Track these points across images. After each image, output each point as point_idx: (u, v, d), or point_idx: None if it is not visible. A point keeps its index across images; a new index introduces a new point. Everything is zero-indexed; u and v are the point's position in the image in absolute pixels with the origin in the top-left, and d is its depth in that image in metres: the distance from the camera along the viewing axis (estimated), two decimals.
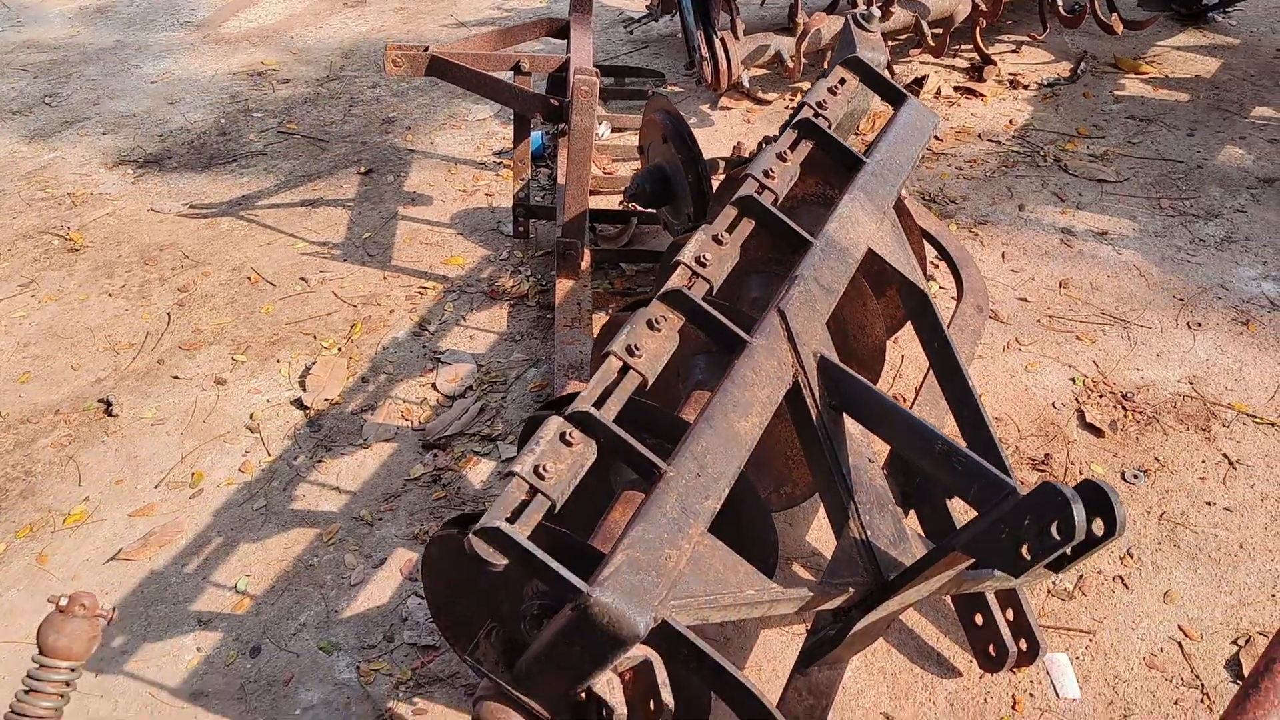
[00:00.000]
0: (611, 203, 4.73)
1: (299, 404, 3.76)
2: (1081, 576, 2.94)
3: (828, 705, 2.51)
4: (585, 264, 4.03)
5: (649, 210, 4.30)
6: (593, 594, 1.92)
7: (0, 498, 3.47)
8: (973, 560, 2.18)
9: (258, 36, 7.61)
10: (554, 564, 1.96)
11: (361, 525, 3.27)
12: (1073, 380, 3.58)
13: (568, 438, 2.13)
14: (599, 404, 2.23)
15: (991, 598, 2.72)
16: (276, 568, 3.16)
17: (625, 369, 2.32)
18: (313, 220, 4.96)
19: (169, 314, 4.29)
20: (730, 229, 2.67)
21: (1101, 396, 3.51)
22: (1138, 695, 2.66)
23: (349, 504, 3.35)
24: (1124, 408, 3.45)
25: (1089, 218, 4.57)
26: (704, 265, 2.54)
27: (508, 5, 7.97)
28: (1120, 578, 2.94)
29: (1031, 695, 2.69)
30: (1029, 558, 1.93)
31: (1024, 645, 2.69)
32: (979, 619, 2.73)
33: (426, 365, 3.90)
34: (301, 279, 4.44)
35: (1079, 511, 1.85)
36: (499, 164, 5.48)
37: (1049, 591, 2.92)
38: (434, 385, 3.79)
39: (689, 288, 2.48)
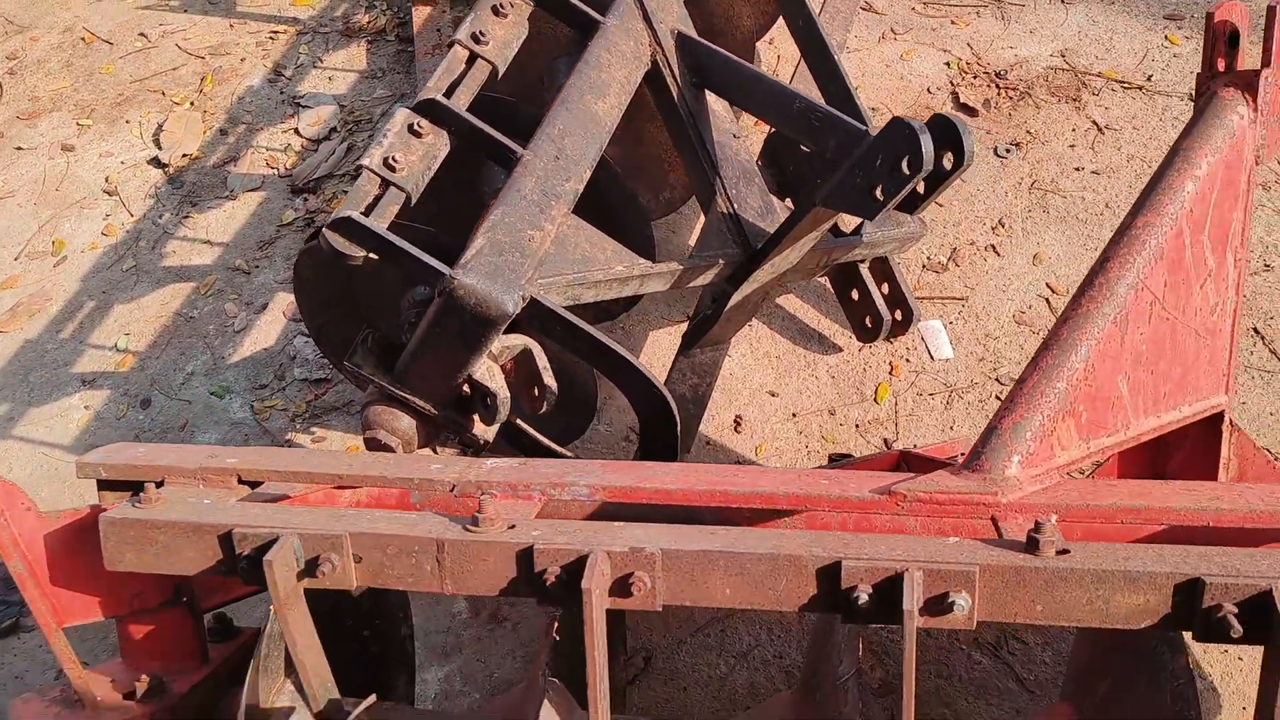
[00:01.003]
0: None
1: (156, 163, 3.57)
2: (955, 249, 3.02)
3: (711, 383, 2.60)
4: None
5: None
6: (457, 276, 1.91)
7: None
8: (834, 215, 2.21)
9: None
10: (414, 250, 1.93)
11: (239, 274, 3.19)
12: (947, 65, 3.55)
13: (416, 128, 2.06)
14: (448, 95, 2.15)
15: (866, 273, 2.78)
16: (156, 324, 3.09)
17: (473, 58, 2.21)
18: None
19: (0, 84, 3.98)
20: None
21: (975, 78, 3.50)
22: (1007, 349, 2.80)
23: (223, 255, 3.25)
24: (997, 86, 3.45)
25: None
26: None
27: None
28: (992, 246, 3.02)
29: (908, 360, 2.81)
30: (882, 198, 1.95)
31: (899, 315, 2.78)
32: (855, 294, 2.80)
33: (286, 111, 3.71)
34: (141, 35, 4.12)
35: (927, 143, 1.86)
36: None
37: (924, 266, 3.00)
38: (297, 130, 3.62)
39: None
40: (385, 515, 1.61)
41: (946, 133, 1.90)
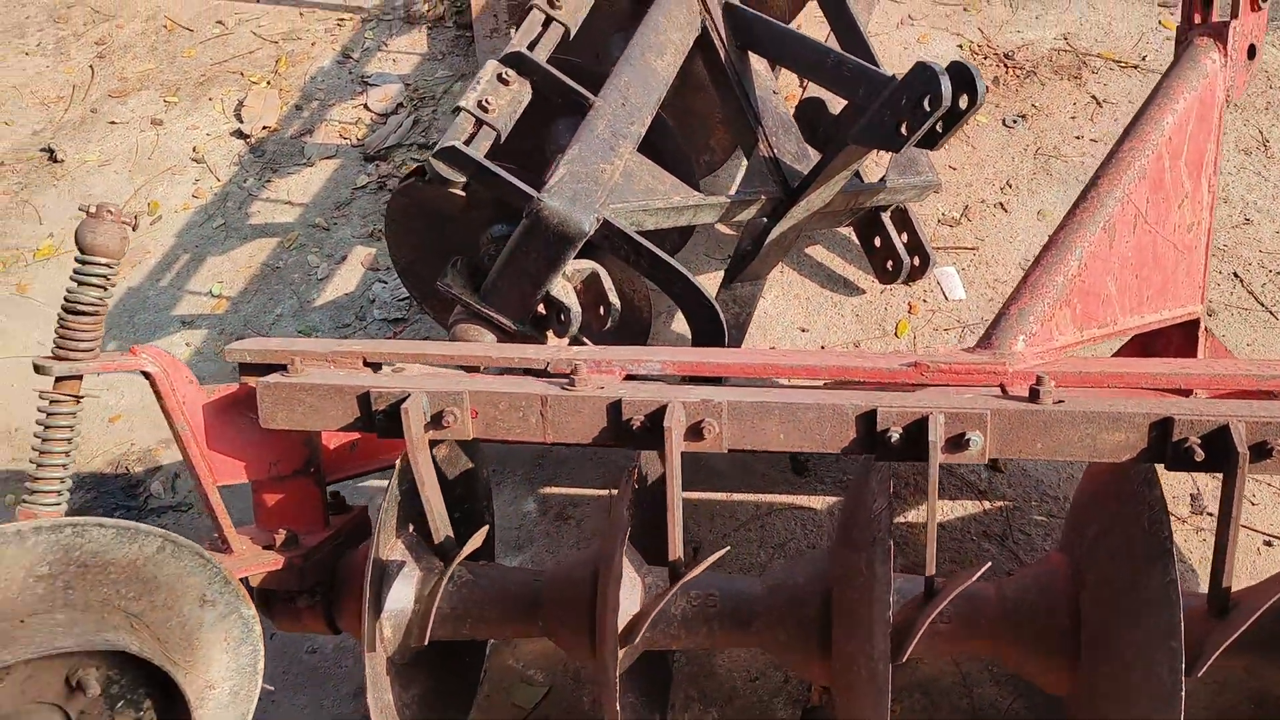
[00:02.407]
0: None
1: (239, 134, 3.92)
2: (967, 206, 3.35)
3: (750, 313, 2.92)
4: None
5: None
6: (543, 199, 2.24)
7: None
8: (865, 152, 2.53)
9: None
10: (508, 175, 2.26)
11: (319, 231, 3.53)
12: (960, 47, 3.88)
13: (504, 77, 2.40)
14: (529, 50, 2.48)
15: (888, 222, 3.10)
16: (246, 273, 3.43)
17: (548, 20, 2.56)
18: None
19: (92, 67, 4.34)
20: None
21: (986, 58, 3.83)
22: None
23: (303, 214, 3.59)
24: (1006, 66, 3.78)
25: None
26: None
27: None
28: (1000, 204, 3.34)
29: (925, 301, 3.13)
30: (907, 133, 2.28)
31: (917, 261, 3.09)
32: (878, 241, 3.12)
33: (356, 89, 4.06)
34: (218, 22, 4.48)
35: (946, 83, 2.18)
36: None
37: (940, 220, 3.32)
38: (366, 105, 3.97)
39: None
40: (497, 379, 1.94)
41: (962, 75, 2.23)
